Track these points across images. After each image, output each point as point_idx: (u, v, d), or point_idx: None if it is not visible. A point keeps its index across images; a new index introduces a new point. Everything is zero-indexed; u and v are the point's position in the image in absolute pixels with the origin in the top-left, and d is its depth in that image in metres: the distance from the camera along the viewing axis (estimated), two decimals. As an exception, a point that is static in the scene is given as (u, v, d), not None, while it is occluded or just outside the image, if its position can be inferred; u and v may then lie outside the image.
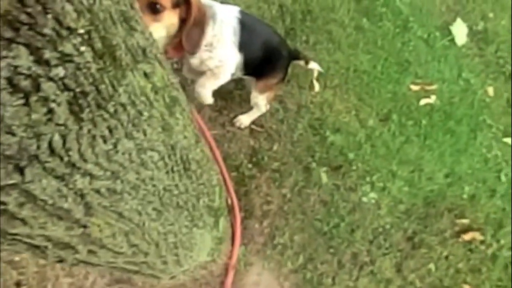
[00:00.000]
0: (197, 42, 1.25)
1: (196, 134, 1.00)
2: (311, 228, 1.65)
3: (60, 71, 0.41)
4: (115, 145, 0.58)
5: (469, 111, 2.16)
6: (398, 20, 2.31)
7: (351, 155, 1.80)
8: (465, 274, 1.73)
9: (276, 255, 1.59)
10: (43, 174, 0.48)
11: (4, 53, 0.35)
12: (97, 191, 0.61)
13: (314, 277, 1.59)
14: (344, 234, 1.66)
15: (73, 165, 0.52)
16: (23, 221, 0.52)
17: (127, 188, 0.68)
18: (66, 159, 0.50)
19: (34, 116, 0.41)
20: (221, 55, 1.33)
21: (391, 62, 2.16)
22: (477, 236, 1.79)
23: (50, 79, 0.40)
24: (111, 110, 0.53)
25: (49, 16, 0.38)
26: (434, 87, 2.17)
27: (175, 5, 1.12)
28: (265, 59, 1.51)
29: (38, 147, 0.44)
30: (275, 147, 1.76)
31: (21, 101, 0.39)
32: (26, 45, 0.37)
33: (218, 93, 1.82)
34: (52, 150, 0.47)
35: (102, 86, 0.49)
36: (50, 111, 0.42)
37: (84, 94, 0.46)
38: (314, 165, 1.75)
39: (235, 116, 1.78)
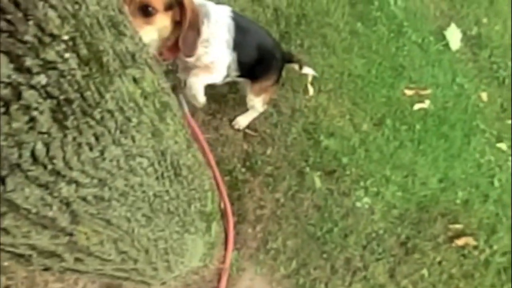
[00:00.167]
0: (194, 44, 1.24)
1: (188, 139, 0.99)
2: (304, 233, 1.64)
3: (42, 79, 0.40)
4: (102, 152, 0.57)
5: (462, 116, 2.17)
6: (392, 24, 2.32)
7: (345, 160, 1.80)
8: (458, 279, 1.74)
9: (269, 260, 1.58)
10: (25, 182, 0.47)
11: (-18, 61, 0.34)
12: (84, 199, 0.59)
13: (307, 282, 1.59)
14: (337, 239, 1.66)
15: (57, 173, 0.50)
16: (6, 231, 0.51)
17: (115, 195, 0.67)
18: (50, 167, 0.48)
19: (15, 125, 0.40)
20: (216, 51, 1.33)
21: (386, 67, 2.17)
22: (470, 241, 1.79)
23: (32, 87, 0.39)
24: (98, 117, 0.52)
25: (31, 22, 0.37)
26: (428, 91, 2.17)
27: (168, 8, 1.11)
28: (259, 61, 1.51)
29: (20, 156, 0.43)
30: (268, 151, 1.75)
31: (1, 110, 0.38)
32: (6, 53, 0.35)
33: (211, 97, 1.81)
34: (35, 159, 0.45)
35: (88, 93, 0.48)
36: (32, 119, 0.41)
37: (69, 101, 0.45)
38: (307, 169, 1.75)
39: (229, 120, 1.77)
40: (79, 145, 0.51)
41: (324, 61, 2.05)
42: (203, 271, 1.46)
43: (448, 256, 1.76)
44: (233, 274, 1.52)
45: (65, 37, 0.42)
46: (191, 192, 1.05)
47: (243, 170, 1.69)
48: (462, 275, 1.75)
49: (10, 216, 0.49)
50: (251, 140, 1.76)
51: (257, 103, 1.68)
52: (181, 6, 1.15)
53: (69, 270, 0.78)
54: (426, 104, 2.12)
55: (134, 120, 0.63)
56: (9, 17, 0.34)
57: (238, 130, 1.78)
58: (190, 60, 1.33)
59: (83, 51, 0.45)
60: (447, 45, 2.39)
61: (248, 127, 1.77)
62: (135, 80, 0.64)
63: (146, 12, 1.05)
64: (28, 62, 0.37)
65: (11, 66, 0.36)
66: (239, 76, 1.54)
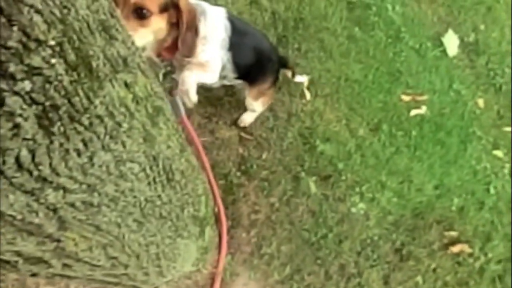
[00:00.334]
0: (193, 44, 1.23)
1: (181, 143, 0.98)
2: (298, 238, 1.63)
3: (26, 85, 0.39)
4: (90, 158, 0.56)
5: (459, 122, 2.17)
6: (390, 30, 2.32)
7: (340, 165, 1.80)
8: (452, 287, 1.73)
9: (262, 265, 1.57)
10: (10, 189, 0.46)
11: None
12: (72, 205, 0.59)
13: (300, 288, 1.58)
14: (332, 245, 1.65)
15: (44, 179, 0.49)
16: (-11, 238, 0.50)
17: (105, 200, 0.66)
18: (36, 173, 0.48)
19: (-2, 131, 0.39)
20: (212, 50, 1.32)
21: (383, 72, 2.17)
22: (466, 248, 1.79)
23: (16, 93, 0.38)
24: (86, 122, 0.51)
25: (15, 28, 0.36)
26: (424, 97, 2.18)
27: (163, 10, 1.10)
28: (256, 63, 1.51)
29: (4, 163, 0.42)
30: (264, 156, 1.75)
31: (-16, 116, 0.37)
32: (-11, 58, 0.35)
33: (207, 100, 1.80)
34: (19, 165, 0.45)
35: (76, 99, 0.47)
36: (16, 126, 0.40)
37: (55, 107, 0.44)
38: (303, 174, 1.74)
39: (225, 123, 1.77)
40: (67, 151, 0.50)
41: (321, 66, 2.05)
42: (196, 276, 1.45)
43: (443, 263, 1.75)
44: (226, 279, 1.51)
45: (52, 42, 0.41)
46: (184, 196, 1.04)
47: (238, 174, 1.69)
48: (457, 282, 1.74)
49: (-6, 223, 0.48)
50: (247, 144, 1.76)
51: (256, 107, 1.70)
52: (177, 8, 1.14)
53: (58, 276, 0.77)
54: (423, 110, 2.13)
55: (125, 125, 0.63)
56: (-8, 22, 0.34)
57: (244, 128, 1.77)
58: (188, 59, 1.32)
59: (71, 56, 0.45)
60: (444, 51, 2.40)
61: (243, 131, 1.77)
62: (126, 85, 0.63)
63: (140, 14, 1.04)
64: (12, 68, 0.37)
65: (-6, 72, 0.36)
66: (236, 78, 1.54)
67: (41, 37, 0.39)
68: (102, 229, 0.71)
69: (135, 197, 0.76)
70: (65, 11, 0.44)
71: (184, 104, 1.31)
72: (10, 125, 0.40)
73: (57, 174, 0.51)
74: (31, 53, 0.39)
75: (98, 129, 0.54)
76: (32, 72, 0.39)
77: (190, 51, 1.24)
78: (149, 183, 0.80)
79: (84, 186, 0.58)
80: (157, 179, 0.83)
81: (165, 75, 1.68)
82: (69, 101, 0.46)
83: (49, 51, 0.41)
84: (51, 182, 0.51)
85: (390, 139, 1.97)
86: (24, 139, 0.42)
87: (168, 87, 1.62)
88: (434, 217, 1.84)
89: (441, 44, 2.41)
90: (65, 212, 0.58)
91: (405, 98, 2.13)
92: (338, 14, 2.22)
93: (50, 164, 0.49)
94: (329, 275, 1.62)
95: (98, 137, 0.55)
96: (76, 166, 0.53)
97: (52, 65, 0.42)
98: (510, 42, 2.57)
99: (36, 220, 0.54)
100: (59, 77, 0.43)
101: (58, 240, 0.62)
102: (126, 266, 0.90)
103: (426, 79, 2.24)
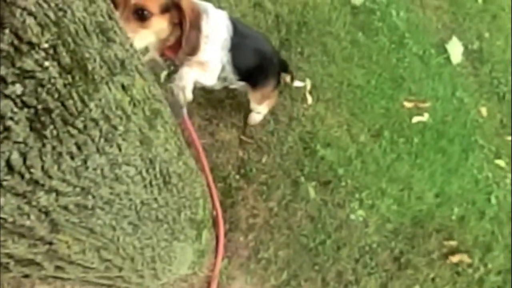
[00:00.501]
0: (197, 43, 1.22)
1: (179, 146, 0.97)
2: (296, 243, 1.62)
3: (17, 89, 0.38)
4: (84, 161, 0.55)
5: (461, 130, 2.16)
6: (394, 35, 2.31)
7: (340, 171, 1.78)
8: (450, 297, 1.72)
9: (259, 270, 1.56)
10: (1, 192, 0.45)
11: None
12: (65, 208, 0.58)
13: (297, 293, 1.57)
14: (330, 251, 1.63)
15: (36, 182, 0.49)
16: (-21, 240, 0.49)
17: (99, 203, 0.65)
18: (27, 176, 0.47)
19: (-12, 134, 0.38)
20: (213, 49, 1.31)
21: (385, 78, 2.16)
22: (465, 258, 1.77)
23: (6, 96, 0.38)
24: (80, 126, 0.50)
25: (7, 31, 0.36)
26: (427, 104, 2.16)
27: (164, 10, 1.09)
28: (257, 66, 1.51)
29: (-6, 165, 0.42)
30: (264, 159, 1.74)
31: (-26, 119, 0.36)
32: (-21, 61, 0.34)
33: (208, 102, 1.80)
34: (11, 168, 0.44)
35: (70, 102, 0.47)
36: (7, 129, 0.40)
37: (48, 110, 0.43)
38: (302, 179, 1.73)
39: (225, 125, 1.76)
40: (60, 154, 0.49)
41: (323, 70, 2.04)
42: (192, 279, 1.44)
43: (441, 273, 1.74)
44: (222, 283, 1.50)
45: (45, 45, 0.40)
46: (181, 200, 1.03)
47: (237, 177, 1.68)
48: (455, 292, 1.73)
49: (-17, 226, 0.47)
50: (247, 147, 1.75)
51: (262, 110, 1.72)
52: (179, 7, 1.13)
53: (51, 277, 0.76)
54: (425, 117, 2.11)
55: (121, 128, 0.62)
56: (-18, 24, 0.33)
57: (253, 125, 1.79)
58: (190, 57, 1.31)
59: (65, 59, 0.44)
60: (448, 59, 2.39)
61: (244, 134, 1.76)
62: (123, 88, 0.63)
63: (141, 16, 1.03)
64: (3, 71, 0.36)
65: (-16, 74, 0.35)
66: (239, 80, 1.53)
67: (34, 40, 0.39)
68: (96, 232, 0.70)
69: (130, 200, 0.75)
70: (60, 13, 0.43)
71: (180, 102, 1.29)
72: (0, 128, 0.39)
73: (50, 177, 0.50)
74: (23, 56, 0.38)
75: (92, 132, 0.54)
76: (24, 75, 0.39)
77: (194, 50, 1.23)
78: (145, 186, 0.79)
79: (77, 189, 0.57)
80: (154, 182, 0.82)
81: (169, 75, 1.67)
82: (63, 104, 0.46)
83: (43, 54, 0.40)
84: (43, 185, 0.50)
85: (391, 146, 1.96)
86: (15, 142, 0.42)
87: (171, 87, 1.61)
88: (434, 226, 1.82)
89: (445, 51, 2.40)
90: (57, 214, 0.57)
91: (408, 104, 2.12)
92: (342, 18, 2.21)
93: (42, 167, 0.48)
94: (326, 282, 1.61)
95: (93, 140, 0.55)
96: (69, 169, 0.53)
97: (45, 68, 0.41)
98: (514, 50, 2.55)
99: (28, 223, 0.53)
100: (52, 80, 0.43)
101: (50, 243, 0.61)
102: (120, 269, 0.90)
103: (429, 86, 2.23)
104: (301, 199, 1.70)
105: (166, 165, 0.86)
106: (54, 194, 0.53)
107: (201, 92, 1.75)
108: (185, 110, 1.36)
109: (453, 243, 1.80)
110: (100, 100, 0.54)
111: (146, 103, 0.73)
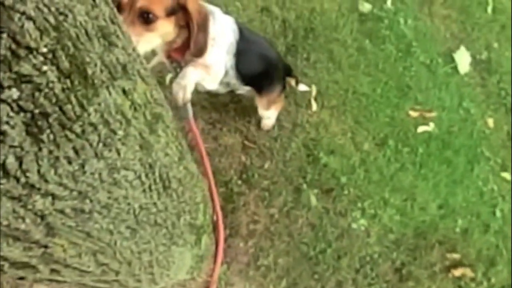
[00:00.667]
0: (205, 44, 1.21)
1: (181, 151, 0.96)
2: (296, 251, 1.60)
3: (13, 93, 0.38)
4: (82, 166, 0.55)
5: (467, 141, 2.13)
6: (401, 44, 2.30)
7: (343, 179, 1.77)
8: (452, 311, 1.69)
9: (258, 277, 1.55)
10: (-5, 195, 0.45)
11: None
12: (61, 211, 0.57)
13: (296, 302, 1.55)
14: (330, 260, 1.62)
15: (31, 186, 0.48)
16: (-27, 242, 0.49)
17: (97, 207, 0.65)
18: (23, 180, 0.47)
19: (-18, 138, 0.38)
20: (218, 52, 1.30)
21: (391, 86, 2.14)
22: (468, 272, 1.74)
23: (2, 101, 0.37)
24: (78, 130, 0.50)
25: (4, 35, 0.35)
26: (433, 114, 2.14)
27: (170, 13, 1.09)
28: (262, 72, 1.51)
29: (-11, 169, 0.41)
30: (266, 165, 1.73)
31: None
32: (-25, 65, 0.34)
33: (213, 106, 1.80)
34: (6, 172, 0.44)
35: (68, 106, 0.46)
36: (2, 133, 0.39)
37: (45, 115, 0.43)
38: (304, 186, 1.72)
39: (229, 130, 1.76)
40: (56, 158, 0.49)
41: (329, 77, 2.03)
42: (190, 284, 1.43)
43: (443, 286, 1.71)
44: (221, 289, 1.49)
45: (44, 50, 0.40)
46: (181, 204, 1.03)
47: (239, 182, 1.67)
48: (457, 306, 1.70)
49: (-23, 229, 0.47)
50: (250, 152, 1.74)
51: (271, 114, 1.72)
52: (185, 10, 1.12)
53: (46, 280, 0.76)
54: (431, 127, 2.09)
55: (120, 132, 0.62)
56: (-21, 28, 0.33)
57: (267, 130, 1.80)
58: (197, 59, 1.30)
59: (65, 64, 0.44)
60: (455, 68, 2.36)
61: (247, 139, 1.76)
62: (124, 92, 0.62)
63: (146, 19, 1.03)
64: (-1, 75, 0.36)
65: (-21, 79, 0.35)
66: (244, 85, 1.52)
67: (32, 44, 0.38)
68: (93, 236, 0.70)
69: (129, 204, 0.75)
70: (61, 17, 0.43)
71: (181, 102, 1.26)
72: (-5, 132, 0.39)
73: (46, 181, 0.50)
74: (21, 61, 0.38)
75: (91, 136, 0.53)
76: (21, 79, 0.38)
77: (201, 51, 1.22)
78: (144, 191, 0.78)
79: (74, 193, 0.57)
80: (153, 187, 0.82)
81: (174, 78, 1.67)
82: (61, 108, 0.45)
83: (41, 58, 0.40)
84: (39, 189, 0.50)
85: (396, 155, 1.94)
86: (11, 146, 0.41)
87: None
88: (436, 237, 1.80)
89: (453, 60, 2.38)
90: (53, 218, 0.57)
91: (413, 114, 2.10)
92: (349, 25, 2.21)
93: (39, 171, 0.48)
94: (326, 291, 1.59)
95: (91, 145, 0.54)
96: (66, 173, 0.52)
97: (44, 73, 0.41)
98: (523, 62, 2.53)
99: (23, 226, 0.53)
100: (50, 85, 0.42)
101: (46, 246, 0.61)
102: (117, 273, 0.89)
103: (436, 96, 2.21)
104: (303, 207, 1.69)
105: (166, 169, 0.86)
106: (50, 198, 0.53)
107: (205, 95, 1.75)
108: (191, 112, 1.35)
109: (456, 256, 1.78)
110: (99, 104, 0.54)
111: (148, 108, 0.72)
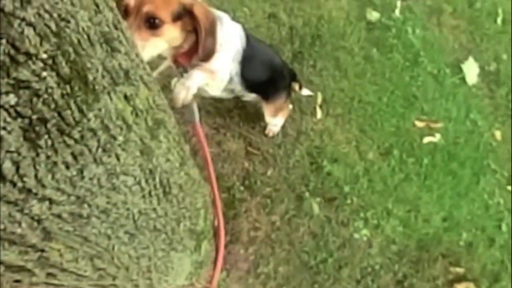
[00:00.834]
0: (213, 49, 1.21)
1: (182, 156, 0.96)
2: (297, 260, 1.59)
3: (11, 99, 0.38)
4: (80, 171, 0.54)
5: (473, 153, 2.10)
6: (408, 53, 2.28)
7: (346, 188, 1.75)
8: (454, 326, 1.66)
9: (258, 285, 1.53)
10: (-9, 199, 0.45)
11: None
12: (58, 216, 0.57)
13: (295, 311, 1.53)
14: (331, 270, 1.60)
15: (28, 190, 0.48)
16: (-32, 246, 0.49)
17: (95, 212, 0.65)
18: (20, 184, 0.46)
19: (-21, 143, 0.38)
20: (224, 58, 1.29)
21: (398, 96, 2.13)
22: (471, 287, 1.71)
23: (-1, 106, 0.37)
24: (77, 136, 0.50)
25: (3, 41, 0.35)
26: (439, 125, 2.12)
27: (176, 19, 1.09)
28: (268, 80, 1.50)
29: (-15, 174, 0.41)
30: (269, 172, 1.72)
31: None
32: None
33: (217, 111, 1.80)
34: (2, 176, 0.43)
35: (67, 112, 0.46)
36: (-1, 138, 0.39)
37: (43, 120, 0.43)
38: (307, 194, 1.71)
39: (233, 135, 1.76)
40: (54, 163, 0.49)
41: (335, 85, 2.02)
42: (189, 290, 1.42)
43: (446, 300, 1.69)
44: (220, 295, 1.48)
45: (44, 56, 0.40)
46: (181, 210, 1.02)
47: (242, 188, 1.66)
48: (460, 322, 1.67)
49: (-28, 232, 0.47)
50: (253, 158, 1.74)
51: (278, 121, 1.72)
52: (192, 15, 1.12)
53: (43, 284, 0.76)
54: (437, 138, 2.07)
55: (121, 138, 0.61)
56: (-23, 34, 0.33)
57: (272, 136, 1.80)
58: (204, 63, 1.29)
59: (65, 69, 0.44)
60: (463, 79, 2.34)
61: (250, 145, 1.75)
62: (126, 98, 0.62)
63: (152, 24, 1.03)
64: (-4, 81, 0.36)
65: (-23, 84, 0.35)
66: (250, 92, 1.51)
67: (32, 50, 0.38)
68: (91, 241, 0.69)
69: (128, 209, 0.74)
70: (62, 23, 0.43)
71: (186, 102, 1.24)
72: (-8, 137, 0.39)
73: (43, 186, 0.50)
74: (19, 67, 0.38)
75: (90, 142, 0.53)
76: (19, 85, 0.38)
77: (209, 56, 1.21)
78: (143, 196, 0.78)
79: (72, 198, 0.57)
80: (153, 193, 0.81)
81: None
82: (59, 114, 0.45)
83: (40, 64, 0.40)
84: (36, 194, 0.50)
85: (400, 166, 1.92)
86: (8, 151, 0.41)
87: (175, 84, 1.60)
88: (440, 250, 1.77)
89: (461, 71, 2.36)
90: (50, 223, 0.56)
91: (419, 124, 2.08)
92: (356, 33, 2.20)
93: (36, 176, 0.47)
94: (326, 301, 1.57)
95: (90, 150, 0.54)
96: (64, 178, 0.52)
97: (43, 78, 0.41)
98: (532, 74, 2.50)
99: (19, 230, 0.52)
100: (49, 90, 0.42)
101: (42, 250, 0.60)
102: (114, 278, 0.88)
103: (442, 106, 2.19)
104: (305, 215, 1.67)
105: (167, 175, 0.85)
106: (47, 203, 0.53)
107: (210, 100, 1.75)
108: (197, 116, 1.34)
109: (459, 270, 1.75)
110: (100, 110, 0.53)
111: (149, 113, 0.72)
